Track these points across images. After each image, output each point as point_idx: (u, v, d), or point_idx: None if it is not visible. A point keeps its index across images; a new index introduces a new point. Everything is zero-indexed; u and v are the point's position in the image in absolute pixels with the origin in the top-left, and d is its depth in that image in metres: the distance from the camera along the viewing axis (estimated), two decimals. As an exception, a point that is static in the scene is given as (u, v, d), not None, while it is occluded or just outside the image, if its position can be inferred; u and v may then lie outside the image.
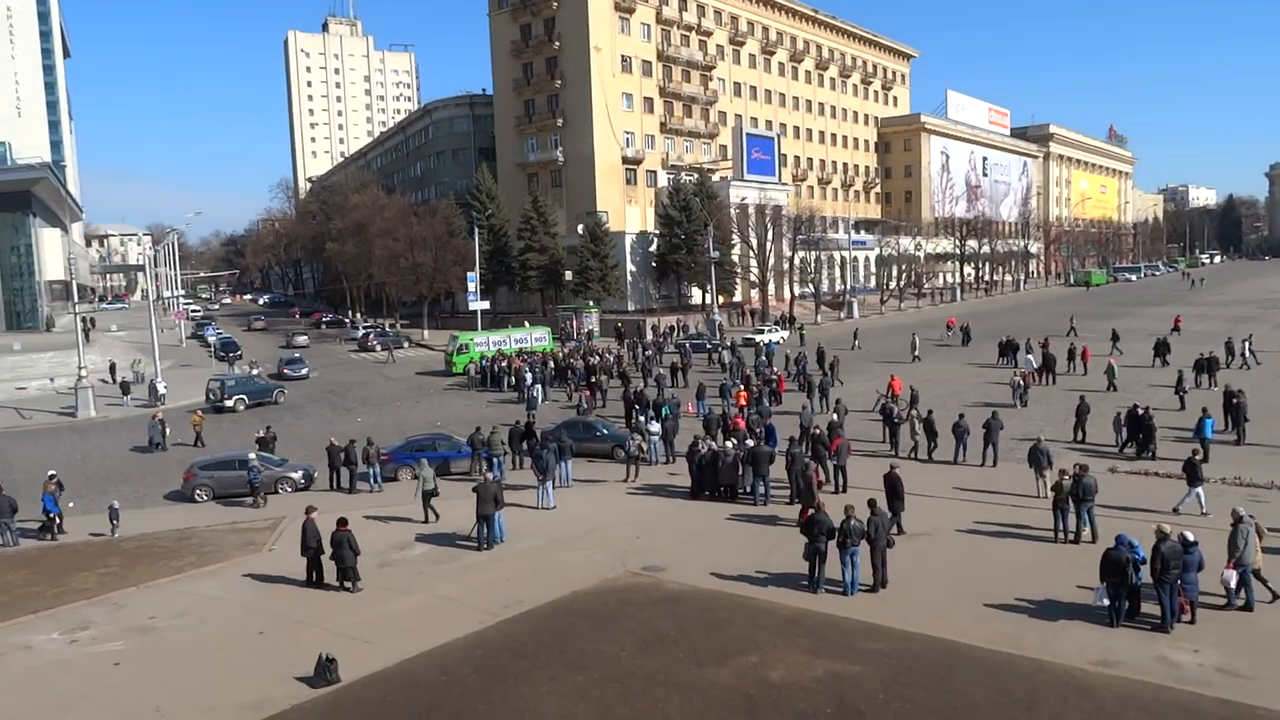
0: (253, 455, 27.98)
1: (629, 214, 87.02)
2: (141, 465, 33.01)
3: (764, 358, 47.02)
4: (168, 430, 35.66)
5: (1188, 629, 15.27)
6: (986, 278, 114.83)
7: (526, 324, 65.59)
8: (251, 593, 19.23)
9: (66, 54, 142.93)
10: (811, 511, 18.18)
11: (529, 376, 44.30)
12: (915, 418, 28.91)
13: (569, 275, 76.43)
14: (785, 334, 65.24)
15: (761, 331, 63.88)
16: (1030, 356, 43.59)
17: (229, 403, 45.00)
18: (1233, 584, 15.90)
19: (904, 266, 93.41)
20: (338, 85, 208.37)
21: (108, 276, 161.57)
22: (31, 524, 24.77)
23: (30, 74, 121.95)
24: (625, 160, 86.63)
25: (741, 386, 37.56)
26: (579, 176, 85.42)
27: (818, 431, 25.61)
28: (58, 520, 24.26)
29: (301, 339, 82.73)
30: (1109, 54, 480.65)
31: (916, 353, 50.45)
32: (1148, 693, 13.27)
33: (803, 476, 22.61)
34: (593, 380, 43.03)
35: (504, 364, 49.07)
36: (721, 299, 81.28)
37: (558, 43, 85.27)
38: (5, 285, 79.60)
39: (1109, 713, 12.76)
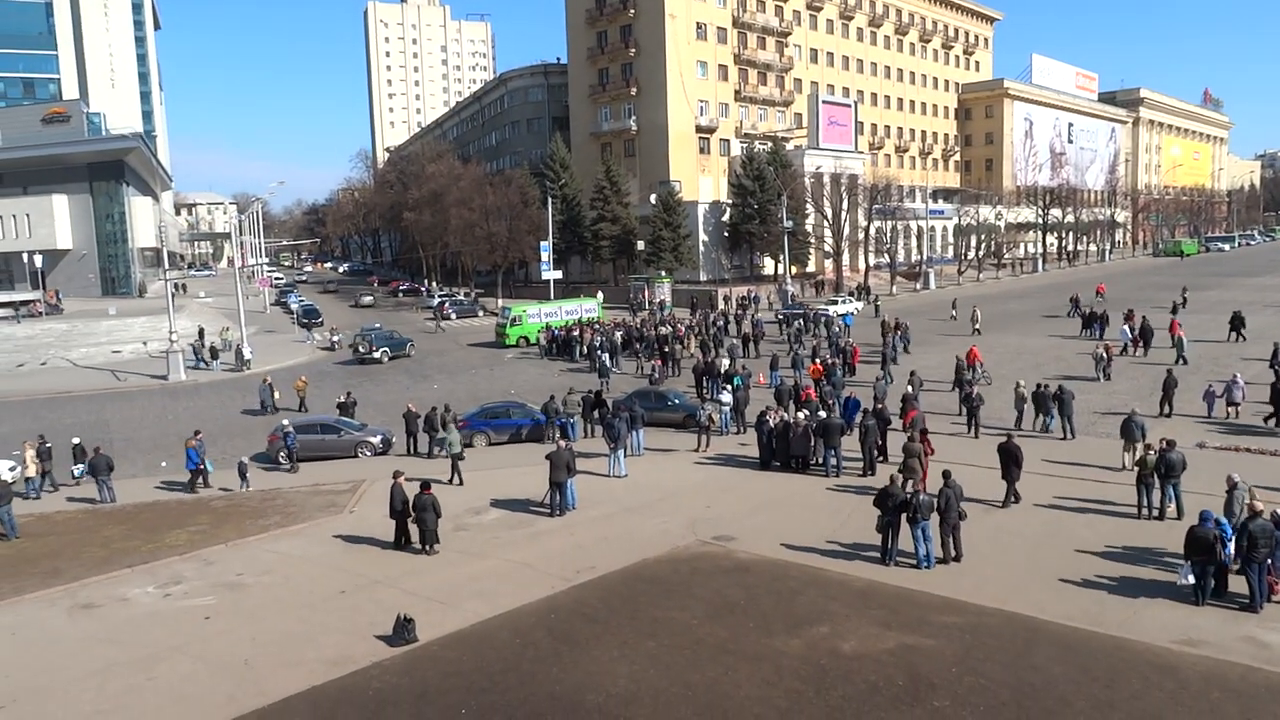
0: (286, 422, 28.51)
1: (702, 183, 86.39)
2: (253, 425, 34.03)
3: (838, 328, 46.30)
4: (276, 393, 36.83)
5: (1278, 609, 14.76)
6: (1070, 247, 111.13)
7: (586, 295, 65.53)
8: (333, 553, 19.79)
9: (157, 26, 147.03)
10: (902, 479, 18.02)
11: (600, 345, 44.58)
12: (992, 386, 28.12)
13: (641, 245, 76.38)
14: (860, 305, 64.17)
15: (835, 303, 62.97)
16: (1126, 327, 42.11)
17: (376, 354, 50.12)
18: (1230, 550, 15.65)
19: (983, 236, 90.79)
20: (415, 55, 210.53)
21: (196, 244, 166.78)
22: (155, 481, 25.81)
23: (123, 46, 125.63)
24: (698, 129, 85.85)
25: (812, 359, 37.14)
26: (652, 146, 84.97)
27: (880, 406, 25.21)
28: (205, 472, 25.27)
29: (367, 299, 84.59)
30: (1204, 12, 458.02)
31: (978, 325, 49.10)
32: (1235, 673, 12.91)
33: (878, 448, 22.53)
34: (665, 350, 43.10)
35: (576, 333, 49.44)
36: (794, 270, 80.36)
37: (632, 10, 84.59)
38: (101, 252, 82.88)
39: (1192, 692, 12.44)
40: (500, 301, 75.22)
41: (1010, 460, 20.55)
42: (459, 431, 28.84)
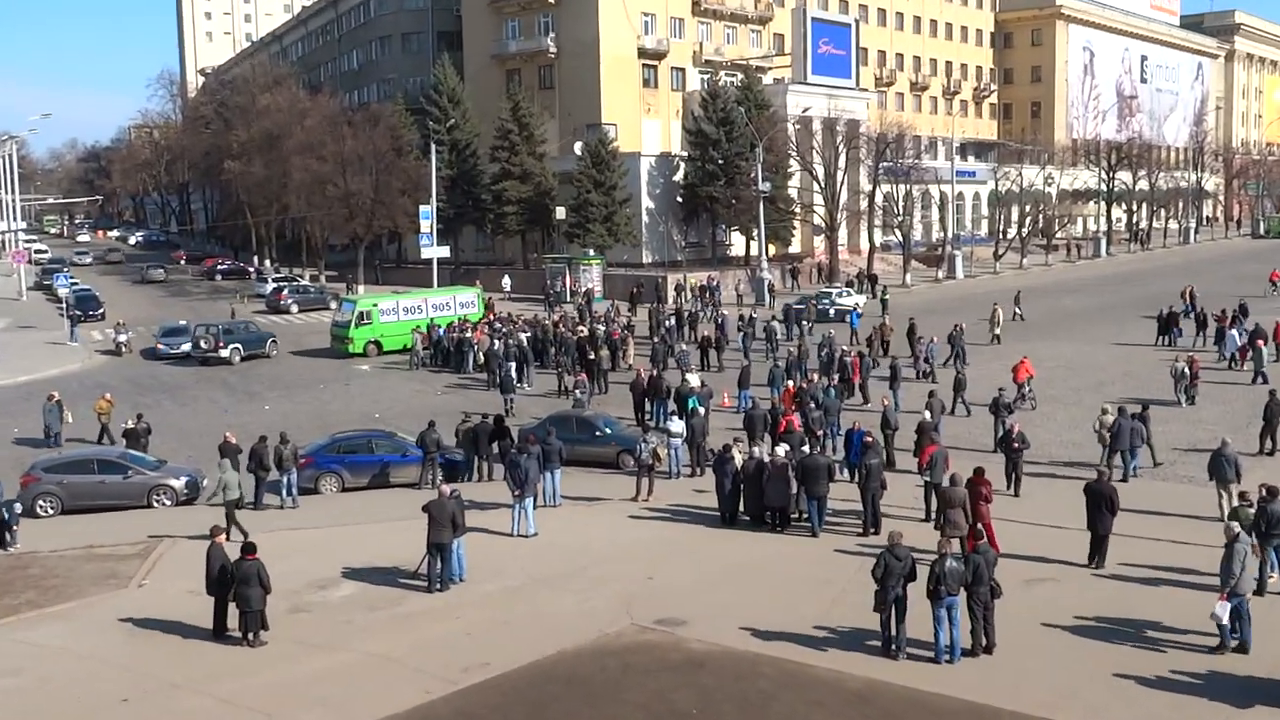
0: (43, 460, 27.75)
1: (646, 129, 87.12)
2: (27, 461, 31.94)
3: (829, 333, 47.03)
4: (68, 415, 35.77)
5: None
6: (1143, 224, 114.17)
7: (463, 284, 65.61)
8: (114, 644, 19.28)
9: None
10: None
11: (504, 352, 44.72)
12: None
13: (561, 213, 76.75)
14: (862, 299, 65.21)
15: (828, 295, 63.88)
16: (1234, 332, 43.32)
17: (224, 352, 52.29)
18: (1224, 619, 16.87)
19: (1028, 207, 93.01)
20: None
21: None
22: None
23: None
24: (642, 53, 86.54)
25: (787, 376, 37.85)
26: (577, 75, 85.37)
27: (888, 433, 25.46)
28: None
29: (157, 272, 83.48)
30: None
31: (997, 330, 50.23)
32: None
33: (881, 490, 23.01)
34: (592, 359, 43.27)
35: (468, 335, 49.40)
36: (773, 249, 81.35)
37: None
38: None
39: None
40: (361, 288, 74.83)
41: (1101, 505, 21.00)
42: (301, 471, 28.84)
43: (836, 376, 38.38)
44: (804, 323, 54.05)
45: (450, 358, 49.40)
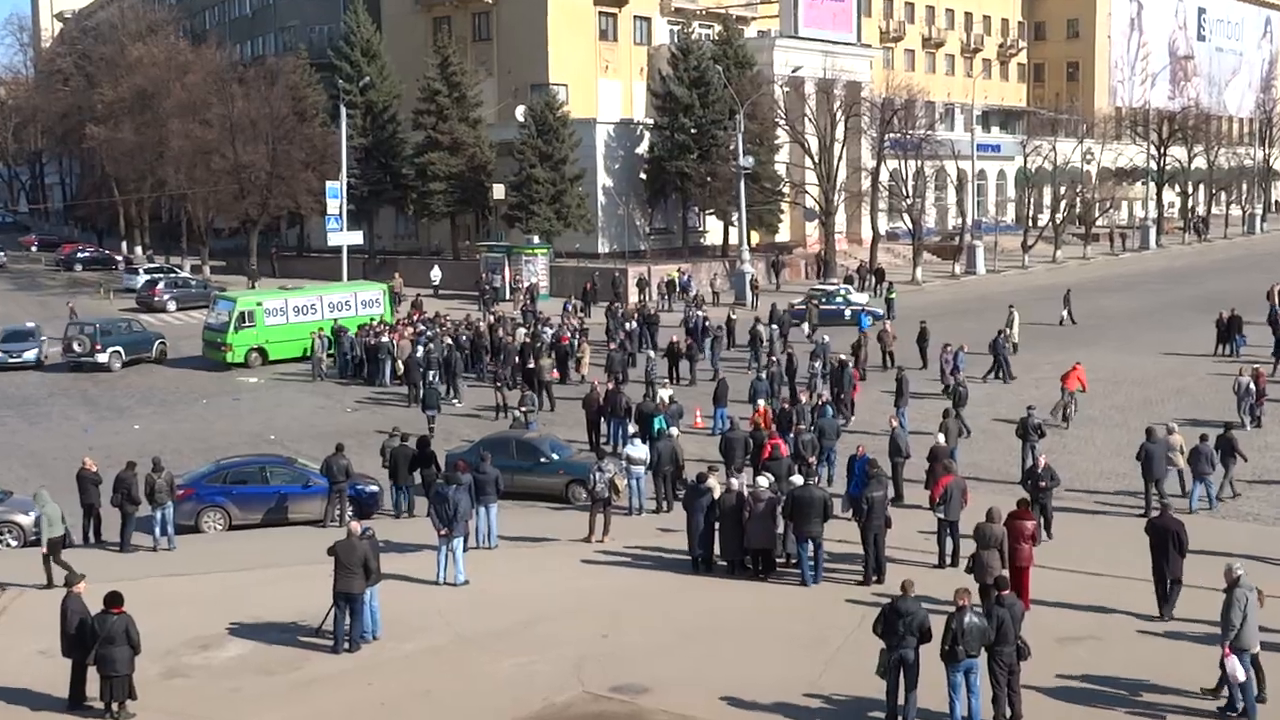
0: None
1: (603, 91, 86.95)
2: None
3: (824, 338, 47.09)
4: None
5: None
6: (1200, 210, 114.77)
7: (371, 281, 65.34)
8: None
9: None
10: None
11: (428, 359, 44.65)
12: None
13: (500, 191, 76.63)
14: (863, 298, 65.41)
15: (837, 292, 64.09)
16: None
17: (102, 357, 52.34)
18: (1240, 677, 17.17)
19: (1063, 189, 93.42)
20: None
21: None
22: None
23: None
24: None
25: (770, 392, 37.83)
26: (520, 25, 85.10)
27: (871, 471, 25.48)
28: None
29: None
30: None
31: (1011, 334, 50.07)
32: None
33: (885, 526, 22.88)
34: (534, 370, 43.31)
35: (384, 340, 49.18)
36: (756, 238, 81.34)
37: None
38: None
39: None
40: (257, 285, 74.12)
41: (1169, 544, 21.14)
42: (180, 505, 28.35)
43: (830, 392, 38.15)
44: (806, 325, 54.33)
45: (362, 367, 49.09)
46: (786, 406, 35.23)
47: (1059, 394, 37.60)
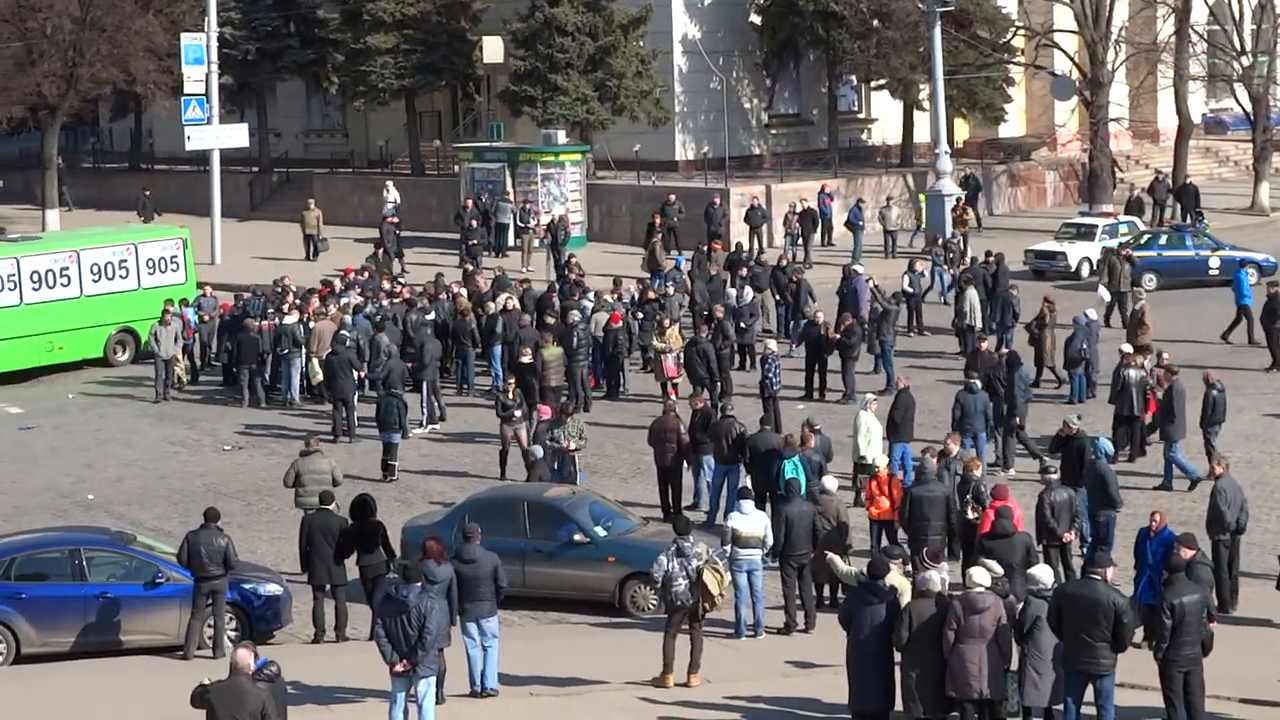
0: None
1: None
2: None
3: (1087, 315, 32.96)
4: None
5: None
6: None
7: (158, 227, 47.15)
8: None
9: None
10: None
11: (370, 351, 32.62)
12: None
13: (493, 51, 54.63)
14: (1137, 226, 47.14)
15: (1187, 226, 46.53)
16: None
17: None
18: None
19: None
20: None
21: None
22: None
23: None
24: None
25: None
26: None
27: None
28: None
29: None
30: None
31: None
32: None
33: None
34: (525, 360, 30.59)
35: (288, 321, 35.08)
36: (966, 130, 57.88)
37: None
38: None
39: None
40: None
41: None
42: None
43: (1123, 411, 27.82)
44: (1102, 289, 38.42)
45: (245, 369, 34.75)
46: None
47: None
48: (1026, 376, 30.05)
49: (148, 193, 57.35)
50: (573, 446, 26.35)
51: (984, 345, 32.30)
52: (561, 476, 25.95)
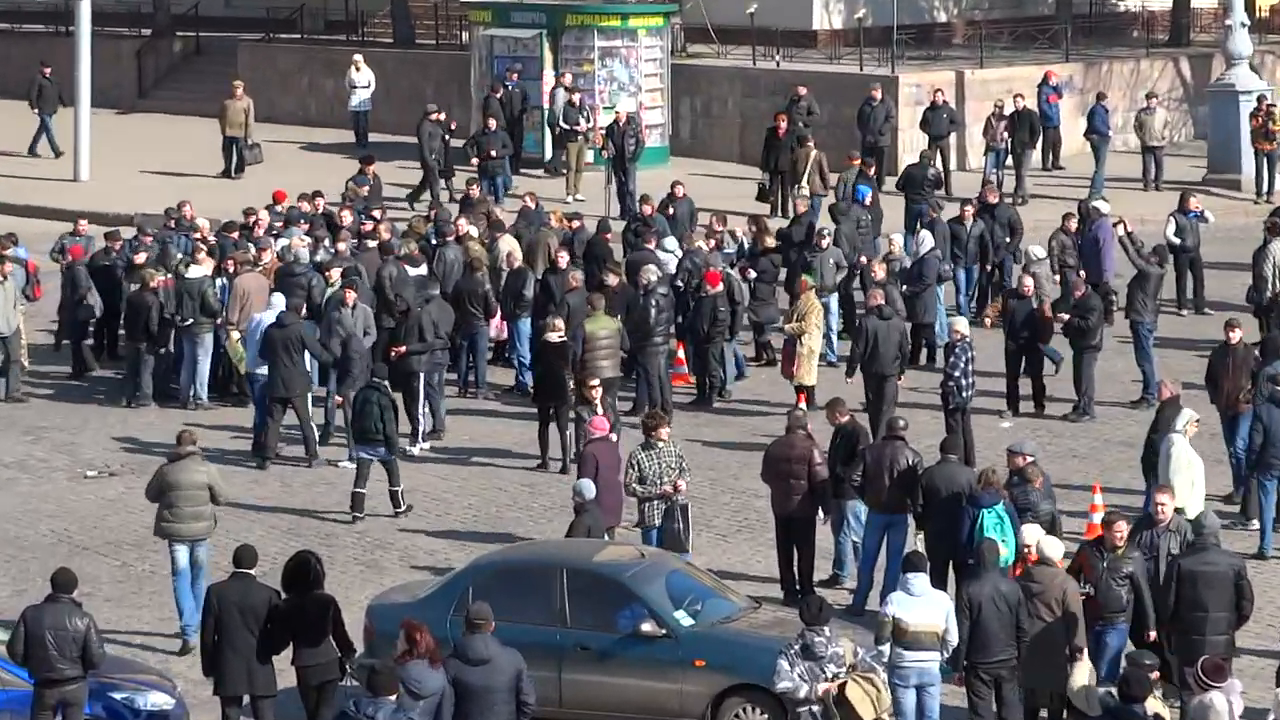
0: None
1: None
2: None
3: None
4: None
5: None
6: None
7: None
8: None
9: None
10: None
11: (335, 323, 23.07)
12: None
13: None
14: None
15: None
16: None
17: None
18: None
19: None
20: None
21: None
22: None
23: None
24: None
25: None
26: None
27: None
28: None
29: None
30: None
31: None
32: None
33: None
34: (554, 339, 22.33)
35: (198, 274, 25.26)
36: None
37: None
38: None
39: None
40: None
41: None
42: None
43: None
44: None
45: (134, 348, 25.36)
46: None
47: None
48: None
49: None
50: (683, 486, 18.77)
51: None
52: (664, 540, 18.62)
